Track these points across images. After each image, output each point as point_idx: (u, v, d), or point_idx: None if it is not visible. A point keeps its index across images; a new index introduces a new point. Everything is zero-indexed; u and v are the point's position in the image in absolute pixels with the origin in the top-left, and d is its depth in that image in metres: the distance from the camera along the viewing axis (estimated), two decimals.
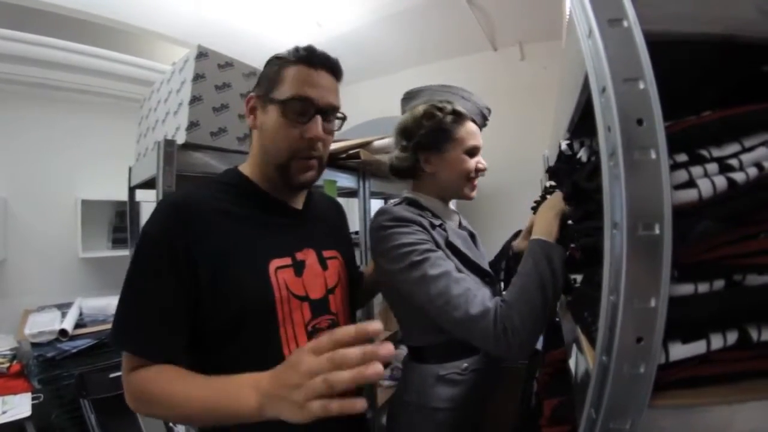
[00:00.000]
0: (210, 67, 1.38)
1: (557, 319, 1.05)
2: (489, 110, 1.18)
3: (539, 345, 1.51)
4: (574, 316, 0.62)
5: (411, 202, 1.08)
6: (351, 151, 1.72)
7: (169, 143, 1.26)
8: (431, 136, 1.06)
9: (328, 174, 1.70)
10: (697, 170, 0.40)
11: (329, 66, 0.91)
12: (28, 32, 2.54)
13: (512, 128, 3.02)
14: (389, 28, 2.90)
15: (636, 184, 0.35)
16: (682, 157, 0.41)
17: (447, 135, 1.06)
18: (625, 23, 0.37)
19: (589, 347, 0.48)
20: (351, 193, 2.04)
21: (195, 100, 1.32)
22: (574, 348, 0.56)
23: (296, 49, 0.90)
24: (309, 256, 0.96)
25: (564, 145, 0.80)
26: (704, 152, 0.42)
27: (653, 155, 0.35)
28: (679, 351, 0.39)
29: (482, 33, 2.94)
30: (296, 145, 0.88)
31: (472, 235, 1.18)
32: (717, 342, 0.39)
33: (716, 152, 0.42)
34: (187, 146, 1.31)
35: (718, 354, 0.40)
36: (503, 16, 2.83)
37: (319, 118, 0.88)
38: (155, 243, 0.80)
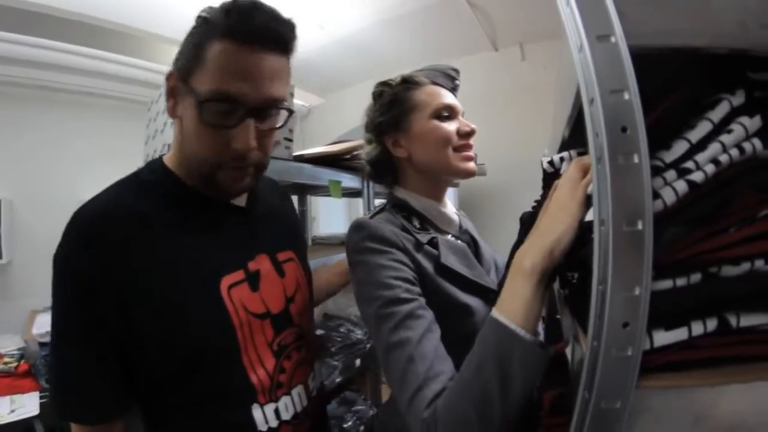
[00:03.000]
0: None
1: (558, 316, 1.01)
2: (455, 70, 0.97)
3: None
4: (572, 309, 0.65)
5: (398, 205, 0.93)
6: (355, 152, 1.76)
7: None
8: (387, 114, 0.92)
9: (333, 174, 1.72)
10: (657, 182, 0.43)
11: (272, 39, 0.67)
12: (33, 36, 2.57)
13: (513, 128, 3.06)
14: (391, 30, 2.94)
15: (621, 184, 0.39)
16: None
17: (404, 106, 0.90)
18: (613, 39, 0.41)
19: (583, 336, 0.52)
20: (355, 194, 2.07)
21: None
22: (571, 339, 0.60)
23: (226, 12, 0.65)
24: (263, 264, 0.83)
25: (545, 164, 0.77)
26: (658, 162, 0.45)
27: (636, 159, 0.39)
28: (663, 337, 0.42)
29: (483, 34, 2.98)
30: (221, 156, 0.70)
31: (474, 242, 1.01)
32: (698, 329, 0.43)
33: (668, 157, 0.45)
34: None
35: (700, 340, 0.44)
36: (504, 17, 2.86)
37: (250, 123, 0.69)
38: (71, 285, 0.66)
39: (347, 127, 1.91)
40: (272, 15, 0.68)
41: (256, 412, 0.75)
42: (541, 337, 0.79)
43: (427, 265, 0.82)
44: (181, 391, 0.72)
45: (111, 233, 0.66)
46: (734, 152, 0.44)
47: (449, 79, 0.95)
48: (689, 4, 0.45)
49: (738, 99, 0.46)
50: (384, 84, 0.95)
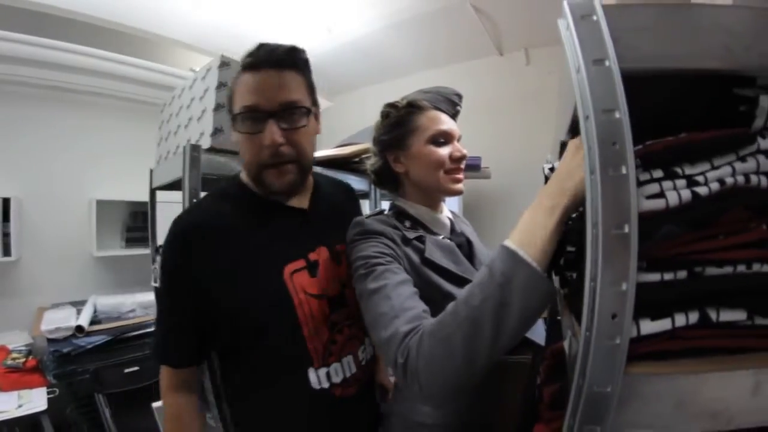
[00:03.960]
0: (232, 76, 1.44)
1: (559, 317, 1.04)
2: (459, 96, 1.06)
3: (542, 340, 1.56)
4: (569, 306, 0.70)
5: (397, 210, 1.04)
6: (363, 156, 1.79)
7: (194, 148, 1.34)
8: (391, 133, 1.01)
9: (342, 177, 1.75)
10: (667, 184, 0.49)
11: (274, 61, 0.87)
12: (46, 37, 2.62)
13: (518, 132, 3.09)
14: (398, 34, 2.98)
15: (610, 193, 0.44)
16: (659, 173, 0.50)
17: (406, 127, 1.00)
18: (607, 63, 0.46)
19: (579, 329, 0.57)
20: (363, 196, 2.11)
21: (219, 107, 1.40)
22: (569, 334, 0.64)
23: (245, 55, 0.88)
24: (322, 254, 0.99)
25: (547, 170, 0.83)
26: (678, 169, 0.50)
27: (624, 171, 0.44)
28: (648, 327, 0.47)
29: (488, 38, 3.01)
30: (260, 156, 0.88)
31: (468, 243, 1.08)
32: (680, 320, 0.48)
33: (688, 170, 0.50)
34: (211, 151, 1.39)
35: (683, 331, 0.49)
36: (509, 22, 2.90)
37: (271, 123, 0.85)
38: (170, 267, 0.91)
39: (354, 129, 1.95)
40: (273, 46, 0.88)
41: (311, 375, 0.93)
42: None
43: (414, 257, 0.92)
44: (251, 354, 0.92)
45: (198, 234, 0.88)
46: (740, 179, 0.50)
47: (451, 105, 1.04)
48: (678, 29, 0.50)
49: (767, 144, 0.51)
50: (391, 105, 1.03)
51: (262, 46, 0.87)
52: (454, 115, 1.05)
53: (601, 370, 0.46)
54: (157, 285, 1.15)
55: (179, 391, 0.95)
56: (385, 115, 1.04)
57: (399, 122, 1.01)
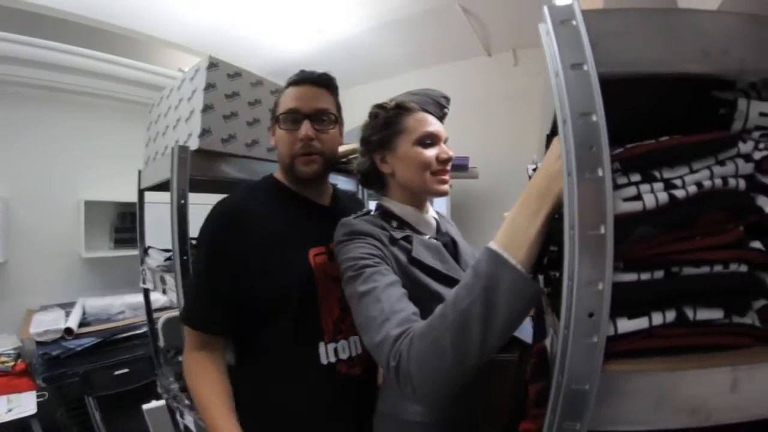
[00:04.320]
0: (220, 76, 1.45)
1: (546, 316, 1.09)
2: (446, 98, 1.09)
3: (530, 338, 1.58)
4: (552, 305, 0.71)
5: (383, 210, 1.05)
6: (351, 156, 1.80)
7: (183, 149, 1.34)
8: (378, 134, 1.03)
9: (330, 177, 1.76)
10: (644, 187, 0.50)
11: (313, 80, 1.11)
12: (37, 37, 2.59)
13: (506, 132, 3.10)
14: (387, 35, 2.98)
15: (587, 195, 0.45)
16: (636, 177, 0.51)
17: (393, 129, 1.01)
18: (585, 67, 0.47)
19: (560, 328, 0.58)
20: None
21: (207, 108, 1.40)
22: (551, 332, 0.65)
23: (290, 78, 1.13)
24: None
25: (531, 171, 0.85)
26: (656, 173, 0.52)
27: (600, 173, 0.45)
28: (626, 325, 0.49)
29: (477, 39, 3.02)
30: (294, 147, 1.08)
31: (453, 243, 1.10)
32: (657, 319, 0.49)
33: (667, 173, 0.52)
34: (199, 152, 1.39)
35: (661, 330, 0.50)
36: (497, 23, 2.91)
37: (306, 122, 1.07)
38: (211, 242, 1.03)
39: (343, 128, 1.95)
40: (312, 71, 1.12)
41: (321, 349, 1.04)
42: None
43: (401, 257, 0.93)
44: (275, 324, 1.02)
45: (239, 213, 1.04)
46: (718, 181, 0.52)
47: (439, 107, 1.06)
48: (656, 34, 0.51)
49: (746, 147, 0.53)
50: (379, 106, 1.04)
51: (303, 71, 1.12)
52: (441, 117, 1.06)
53: (580, 367, 0.47)
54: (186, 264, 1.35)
55: (203, 349, 1.06)
56: (373, 115, 1.05)
57: (387, 123, 1.02)
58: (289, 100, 1.09)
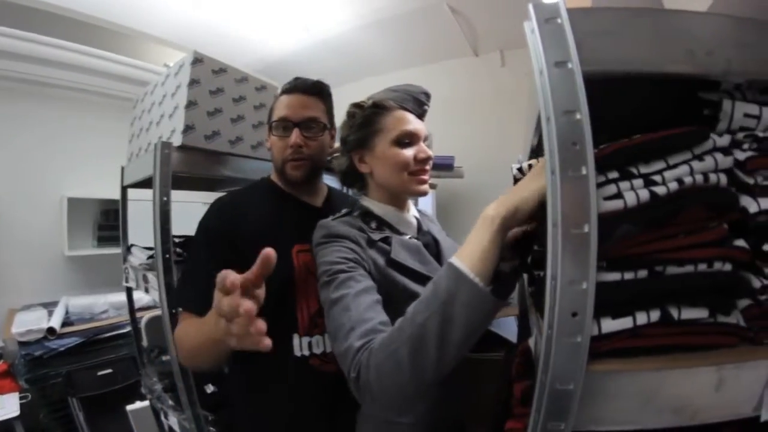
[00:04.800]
0: (205, 72, 1.44)
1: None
2: (426, 94, 1.05)
3: (515, 338, 1.59)
4: (535, 304, 0.71)
5: (363, 211, 1.04)
6: (335, 154, 1.79)
7: (165, 145, 1.32)
8: (356, 133, 1.01)
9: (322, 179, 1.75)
10: (624, 185, 0.50)
11: (305, 88, 1.17)
12: (22, 29, 2.53)
13: (492, 132, 3.12)
14: (374, 33, 2.98)
15: (570, 193, 0.45)
16: (614, 174, 0.51)
17: (371, 128, 0.99)
18: (569, 65, 0.46)
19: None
20: None
21: (190, 104, 1.38)
22: (535, 331, 0.65)
23: (284, 85, 1.20)
24: None
25: (515, 170, 0.85)
26: (633, 169, 0.51)
27: (584, 171, 0.45)
28: (610, 325, 0.49)
29: (464, 39, 3.03)
30: (284, 153, 1.15)
31: (435, 242, 1.09)
32: (641, 319, 0.49)
33: (644, 169, 0.52)
34: (182, 148, 1.37)
35: (645, 329, 0.50)
36: (485, 23, 2.93)
37: (296, 130, 1.14)
38: (211, 231, 1.09)
39: None
40: (305, 79, 1.19)
41: (295, 341, 1.08)
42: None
43: (379, 259, 0.92)
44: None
45: (236, 207, 1.13)
46: (699, 177, 0.52)
47: (418, 104, 1.02)
48: (642, 34, 0.51)
49: (723, 141, 0.53)
50: (357, 105, 1.03)
51: (297, 79, 1.19)
52: (421, 115, 1.04)
53: (564, 367, 0.47)
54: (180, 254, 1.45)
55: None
56: (350, 114, 1.04)
57: (364, 122, 1.00)
58: (281, 108, 1.16)
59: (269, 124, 1.20)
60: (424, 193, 1.02)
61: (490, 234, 0.63)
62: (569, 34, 0.48)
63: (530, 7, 0.49)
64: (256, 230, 1.08)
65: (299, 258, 1.10)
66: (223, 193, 1.27)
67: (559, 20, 0.48)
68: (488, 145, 3.09)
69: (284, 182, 1.21)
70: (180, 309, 1.14)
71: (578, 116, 0.45)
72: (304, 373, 1.07)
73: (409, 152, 0.98)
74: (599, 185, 0.49)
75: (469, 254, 0.64)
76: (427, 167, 1.01)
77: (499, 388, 1.19)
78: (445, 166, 2.59)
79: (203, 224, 1.12)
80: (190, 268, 1.16)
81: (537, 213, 0.60)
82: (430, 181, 1.03)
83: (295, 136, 1.13)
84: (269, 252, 0.60)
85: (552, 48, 0.47)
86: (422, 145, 1.00)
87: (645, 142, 0.53)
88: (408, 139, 0.98)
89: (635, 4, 0.58)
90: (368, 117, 0.99)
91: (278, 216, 1.15)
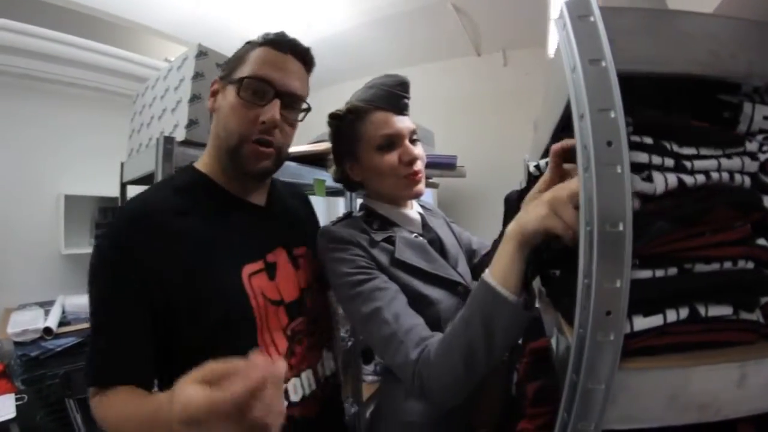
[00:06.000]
0: (209, 66, 1.40)
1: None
2: (404, 84, 0.98)
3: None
4: (554, 303, 0.71)
5: (367, 210, 1.02)
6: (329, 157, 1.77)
7: (168, 140, 1.29)
8: (341, 145, 1.01)
9: (318, 174, 1.72)
10: (656, 159, 0.50)
11: (297, 52, 0.88)
12: (13, 20, 2.48)
13: (493, 131, 3.13)
14: (377, 31, 2.99)
15: (605, 191, 0.45)
16: (649, 140, 0.51)
17: (352, 137, 0.97)
18: (603, 63, 0.47)
19: (567, 327, 0.58)
20: (338, 192, 2.09)
21: (194, 98, 1.35)
22: (555, 331, 0.65)
23: (265, 35, 0.87)
24: (280, 257, 0.92)
25: (532, 167, 0.84)
26: (666, 144, 0.52)
27: (619, 170, 0.45)
28: (641, 323, 0.49)
29: (467, 38, 3.04)
30: (249, 127, 0.82)
31: (440, 239, 1.05)
32: (671, 316, 0.49)
33: (676, 148, 0.52)
34: (185, 143, 1.35)
35: (674, 327, 0.50)
36: (488, 22, 2.94)
37: (277, 102, 0.83)
38: (111, 264, 0.75)
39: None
40: (295, 39, 0.89)
41: None
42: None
43: (383, 259, 0.91)
44: (198, 362, 0.68)
45: (148, 218, 0.78)
46: (725, 175, 0.52)
47: (395, 99, 0.96)
48: (666, 35, 0.51)
49: (752, 146, 0.54)
50: (334, 116, 1.00)
51: (284, 33, 0.88)
52: (402, 109, 0.97)
53: (596, 366, 0.47)
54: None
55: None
56: (333, 126, 1.02)
57: (344, 133, 0.99)
58: (261, 63, 0.84)
59: (232, 79, 0.85)
60: (417, 195, 1.00)
61: (517, 252, 0.66)
62: (603, 32, 0.48)
63: (563, 3, 0.49)
64: (188, 252, 0.78)
65: (253, 284, 0.84)
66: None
67: (592, 18, 0.48)
68: (490, 144, 3.10)
69: (224, 171, 0.88)
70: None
71: (613, 114, 0.45)
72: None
73: (392, 157, 0.95)
74: (632, 147, 0.48)
75: (500, 272, 0.68)
76: (416, 167, 0.96)
77: (504, 388, 1.19)
78: (447, 166, 2.59)
79: (103, 252, 0.77)
80: (100, 327, 0.76)
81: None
82: (432, 180, 1.05)
83: (274, 109, 0.83)
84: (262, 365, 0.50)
85: (586, 45, 0.48)
86: (407, 145, 0.96)
87: (684, 125, 0.53)
88: (389, 142, 0.95)
89: (639, 5, 0.58)
90: (347, 127, 0.98)
91: (217, 225, 0.84)
